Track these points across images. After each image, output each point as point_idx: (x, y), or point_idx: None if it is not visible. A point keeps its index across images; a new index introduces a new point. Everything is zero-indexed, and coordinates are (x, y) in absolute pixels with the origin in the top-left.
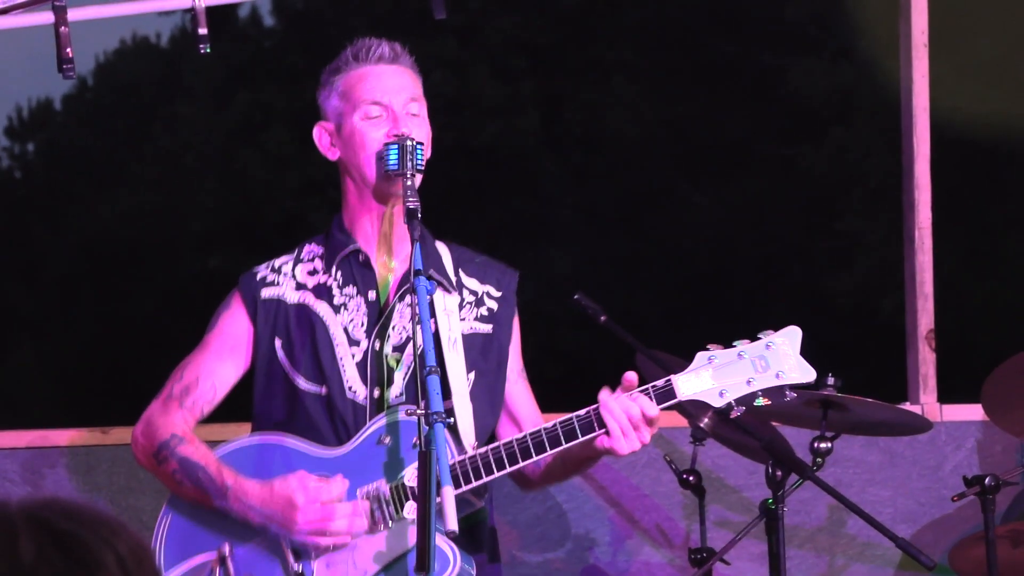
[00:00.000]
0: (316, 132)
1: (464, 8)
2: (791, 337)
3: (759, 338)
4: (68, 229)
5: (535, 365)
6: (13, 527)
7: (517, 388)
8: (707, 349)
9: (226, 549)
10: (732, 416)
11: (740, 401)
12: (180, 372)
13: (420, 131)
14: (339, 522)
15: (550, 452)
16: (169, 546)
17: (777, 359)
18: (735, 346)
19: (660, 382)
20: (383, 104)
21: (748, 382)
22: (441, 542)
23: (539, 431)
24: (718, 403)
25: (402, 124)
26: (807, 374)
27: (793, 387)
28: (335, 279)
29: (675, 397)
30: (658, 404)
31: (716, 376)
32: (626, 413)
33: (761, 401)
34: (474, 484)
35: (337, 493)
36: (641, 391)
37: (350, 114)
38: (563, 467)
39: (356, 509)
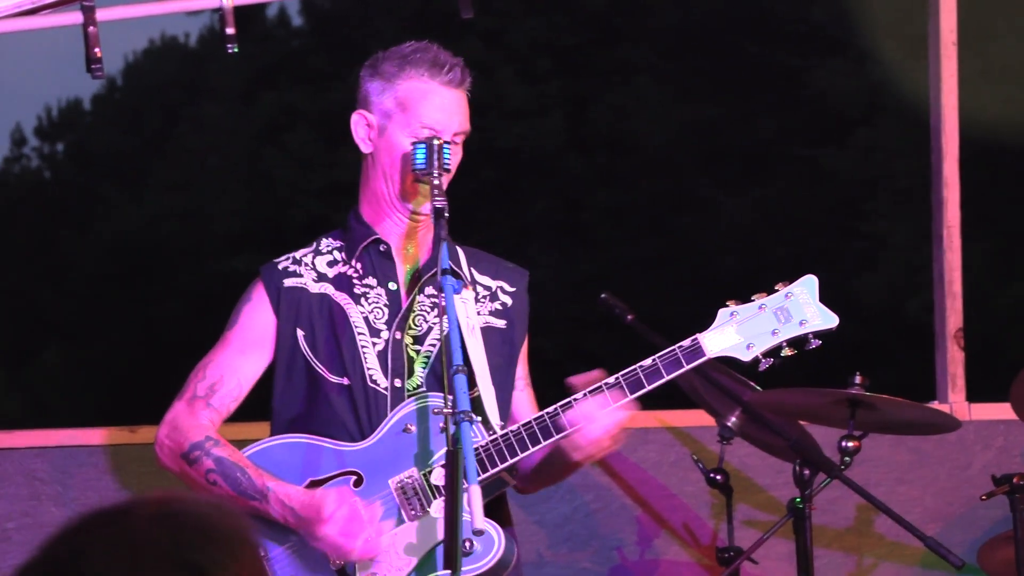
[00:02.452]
0: (355, 119)
1: (489, 10)
2: (808, 286)
3: (776, 290)
4: (96, 229)
5: (560, 366)
6: (141, 553)
7: (523, 396)
8: (727, 305)
9: (261, 552)
10: (760, 369)
11: (767, 353)
12: (202, 371)
13: (457, 157)
14: (359, 540)
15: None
16: None
17: (798, 308)
18: (754, 300)
19: (686, 341)
20: (438, 131)
21: (773, 333)
22: (487, 526)
23: (568, 402)
24: (746, 356)
25: (450, 148)
26: (829, 320)
27: (817, 334)
28: (355, 269)
29: (703, 355)
30: (687, 363)
31: (741, 331)
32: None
33: (787, 352)
34: (509, 462)
35: (371, 518)
36: (667, 352)
37: (400, 126)
38: (557, 464)
39: (378, 532)
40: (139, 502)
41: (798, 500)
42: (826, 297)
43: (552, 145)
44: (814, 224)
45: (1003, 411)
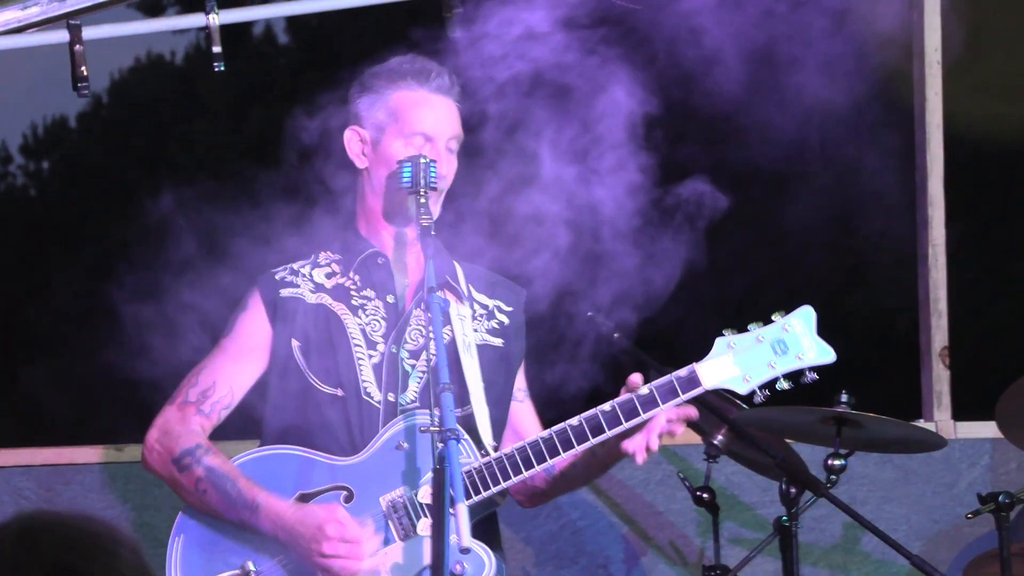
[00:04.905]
0: (348, 135)
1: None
2: (805, 318)
3: (773, 321)
4: (83, 247)
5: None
6: (21, 573)
7: (524, 407)
8: (723, 335)
9: (250, 566)
10: (757, 402)
11: (764, 386)
12: (195, 376)
13: (452, 168)
14: (358, 561)
15: (578, 448)
16: (186, 565)
17: (795, 341)
18: (751, 330)
19: (683, 372)
20: (430, 137)
21: (770, 366)
22: (477, 547)
23: (564, 427)
24: (743, 389)
25: (441, 160)
26: (825, 354)
27: (813, 368)
28: (353, 281)
29: (700, 385)
30: (683, 393)
31: (738, 362)
32: (647, 443)
33: (783, 384)
34: (502, 485)
35: (365, 535)
36: (664, 382)
37: (394, 136)
38: (585, 470)
39: (376, 552)
40: (2, 524)
41: (784, 518)
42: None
43: None
44: (799, 240)
45: (989, 429)
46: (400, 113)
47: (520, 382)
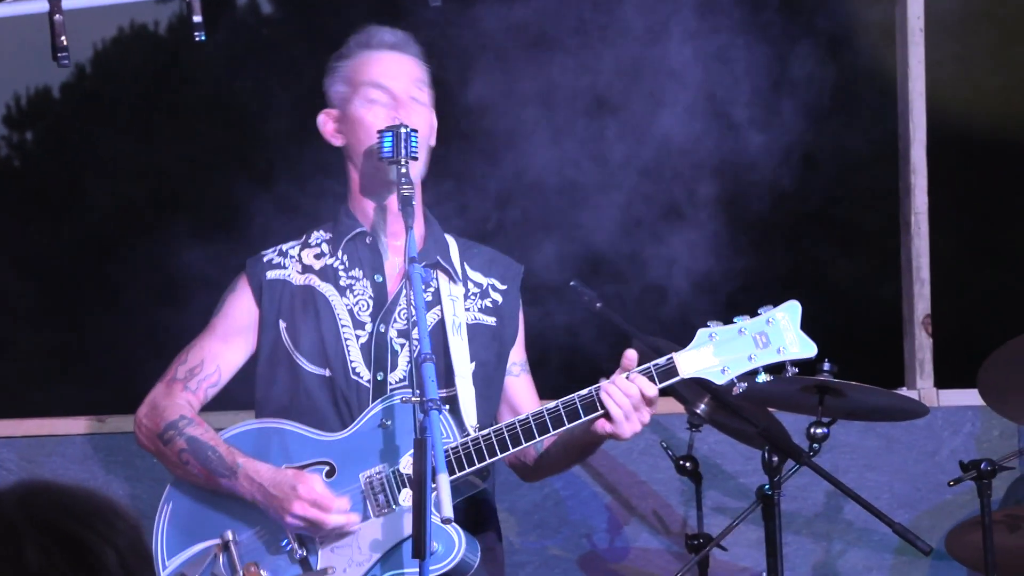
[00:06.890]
0: (320, 119)
1: None
2: (791, 312)
3: (759, 313)
4: (67, 218)
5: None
6: (17, 534)
7: (520, 381)
8: (707, 326)
9: (229, 535)
10: (734, 392)
11: (742, 377)
12: (185, 355)
13: (421, 118)
14: (332, 517)
15: (553, 432)
16: (171, 533)
17: (778, 334)
18: (735, 322)
19: (662, 360)
20: (384, 87)
21: (750, 358)
22: (450, 527)
23: (541, 411)
24: (720, 380)
25: (402, 107)
26: (808, 349)
27: (794, 362)
28: (341, 262)
29: (677, 375)
30: (660, 382)
31: (718, 353)
32: (627, 396)
33: (763, 377)
34: (477, 466)
35: (338, 504)
36: (642, 370)
37: (352, 99)
38: (565, 453)
39: (349, 511)
40: (4, 489)
41: (767, 487)
42: (796, 282)
43: None
44: (781, 209)
45: (971, 397)
46: (352, 76)
47: (517, 356)
